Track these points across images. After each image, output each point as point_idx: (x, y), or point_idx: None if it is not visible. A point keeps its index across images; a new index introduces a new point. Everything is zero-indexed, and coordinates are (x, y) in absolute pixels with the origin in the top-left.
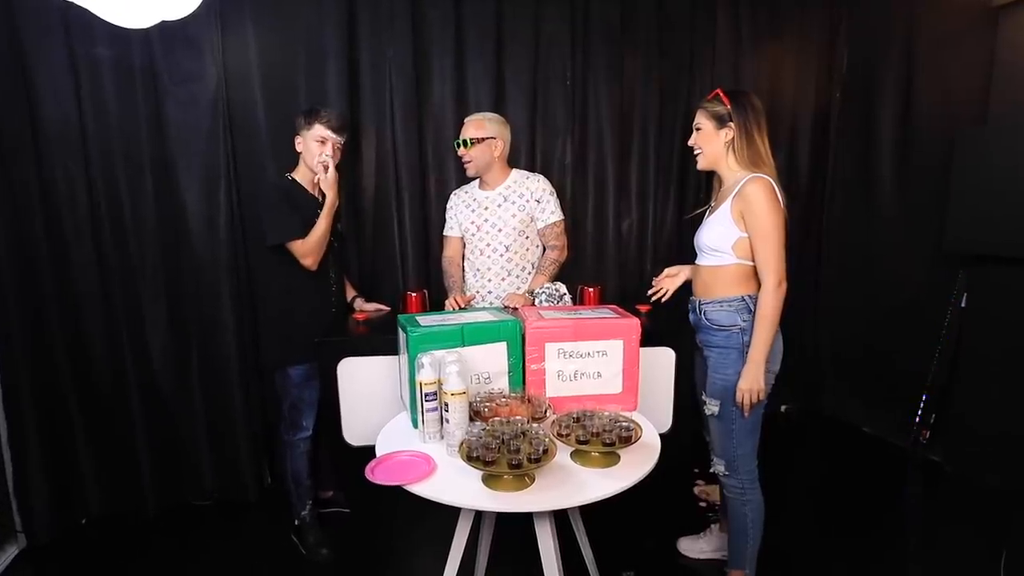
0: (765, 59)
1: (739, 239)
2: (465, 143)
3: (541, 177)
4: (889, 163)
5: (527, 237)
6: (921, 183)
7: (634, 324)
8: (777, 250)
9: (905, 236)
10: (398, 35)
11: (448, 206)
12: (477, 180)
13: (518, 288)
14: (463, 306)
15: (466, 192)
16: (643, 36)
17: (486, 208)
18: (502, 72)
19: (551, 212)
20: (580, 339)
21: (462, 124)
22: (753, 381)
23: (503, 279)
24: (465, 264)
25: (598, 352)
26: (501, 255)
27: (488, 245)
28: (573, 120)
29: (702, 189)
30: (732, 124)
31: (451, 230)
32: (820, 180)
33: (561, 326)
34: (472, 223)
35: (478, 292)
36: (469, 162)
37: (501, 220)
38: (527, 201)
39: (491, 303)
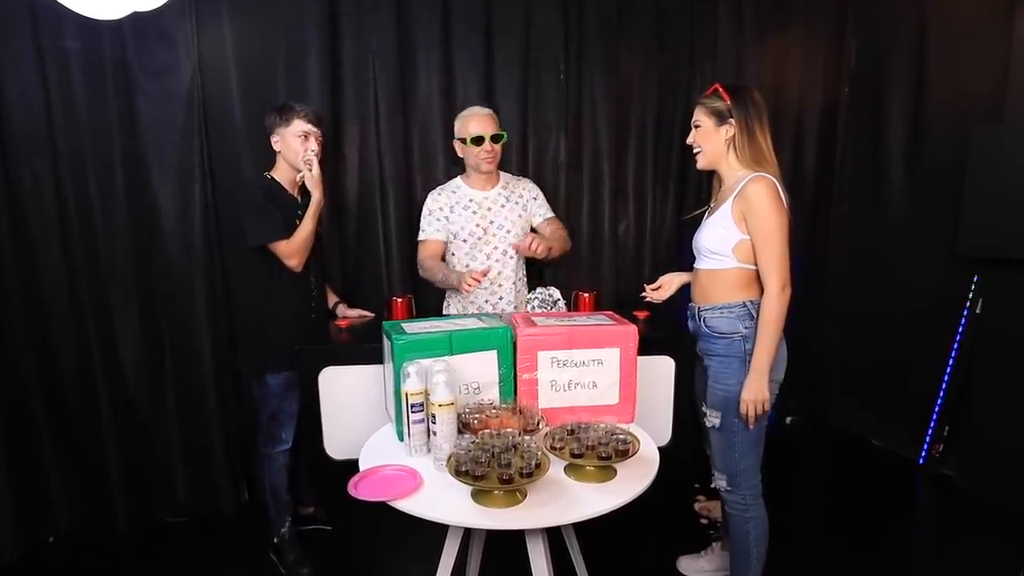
0: (769, 52)
1: (740, 241)
2: (498, 137)
3: (526, 179)
4: (899, 162)
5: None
6: (933, 183)
7: (631, 331)
8: (781, 253)
9: (916, 238)
10: (382, 26)
11: (432, 208)
12: (458, 180)
13: (525, 295)
14: (481, 280)
15: (454, 192)
16: (640, 27)
17: (489, 209)
18: (492, 65)
19: (547, 208)
20: (574, 347)
21: (454, 117)
22: (757, 391)
23: (514, 283)
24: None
25: (593, 361)
26: (511, 258)
27: (496, 248)
28: (567, 115)
29: (703, 188)
30: (732, 121)
31: (436, 233)
32: (827, 180)
33: (554, 333)
34: (477, 226)
35: (487, 300)
36: (494, 158)
37: (508, 221)
38: (527, 200)
39: (503, 310)
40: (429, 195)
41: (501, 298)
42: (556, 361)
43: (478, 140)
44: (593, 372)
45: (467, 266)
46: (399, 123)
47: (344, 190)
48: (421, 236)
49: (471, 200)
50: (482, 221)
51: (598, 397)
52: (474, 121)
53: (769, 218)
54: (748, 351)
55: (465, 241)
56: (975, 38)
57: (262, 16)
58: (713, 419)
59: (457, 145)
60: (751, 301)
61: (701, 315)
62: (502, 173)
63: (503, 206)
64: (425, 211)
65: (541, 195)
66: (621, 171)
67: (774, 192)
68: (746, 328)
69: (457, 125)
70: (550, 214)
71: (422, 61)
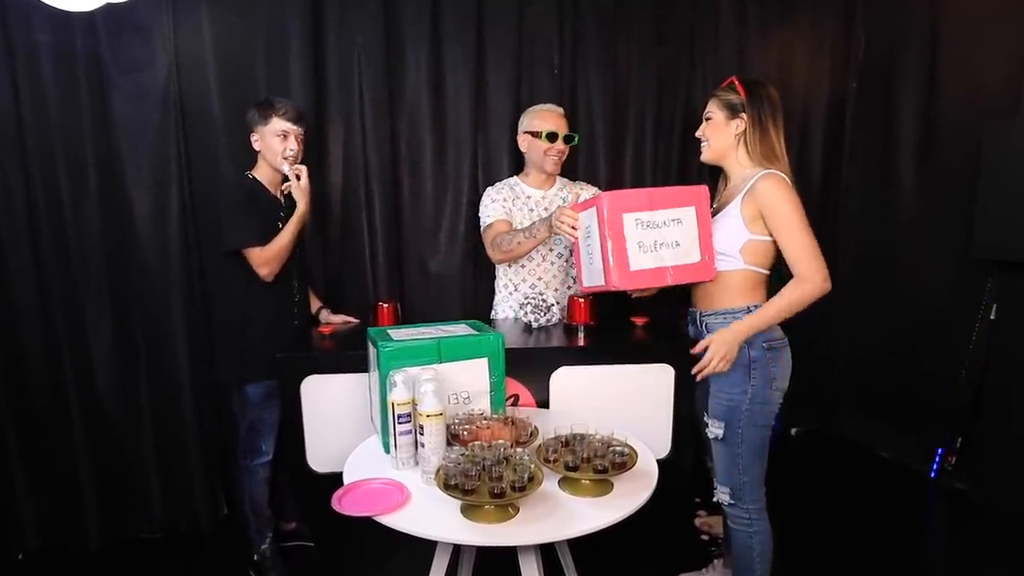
0: (774, 45)
1: (748, 242)
2: (569, 138)
3: (585, 183)
4: (910, 160)
5: None
6: (945, 183)
7: (702, 190)
8: (812, 243)
9: (928, 241)
10: (368, 20)
11: (494, 197)
12: (515, 178)
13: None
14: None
15: (512, 188)
16: (638, 18)
17: (545, 209)
18: (483, 60)
19: None
20: (655, 208)
21: (442, 114)
22: (725, 344)
23: (569, 287)
24: (516, 280)
25: (673, 220)
26: (566, 260)
27: (552, 250)
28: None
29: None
30: (744, 115)
31: (502, 215)
32: (834, 178)
33: (635, 195)
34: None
35: (537, 295)
36: (560, 158)
37: None
38: None
39: (550, 319)
40: (488, 188)
41: (554, 304)
42: (640, 222)
43: (552, 136)
44: (674, 231)
45: (523, 266)
46: (385, 120)
47: (328, 190)
48: (486, 221)
49: (528, 197)
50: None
51: (683, 256)
52: (550, 117)
53: (788, 210)
54: (753, 359)
55: None
56: (990, 30)
57: (242, 8)
58: (716, 430)
59: (524, 139)
60: (756, 306)
61: (703, 321)
62: (558, 177)
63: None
64: (487, 200)
65: None
66: (618, 170)
67: (788, 186)
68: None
69: (527, 119)
70: None
71: (410, 56)
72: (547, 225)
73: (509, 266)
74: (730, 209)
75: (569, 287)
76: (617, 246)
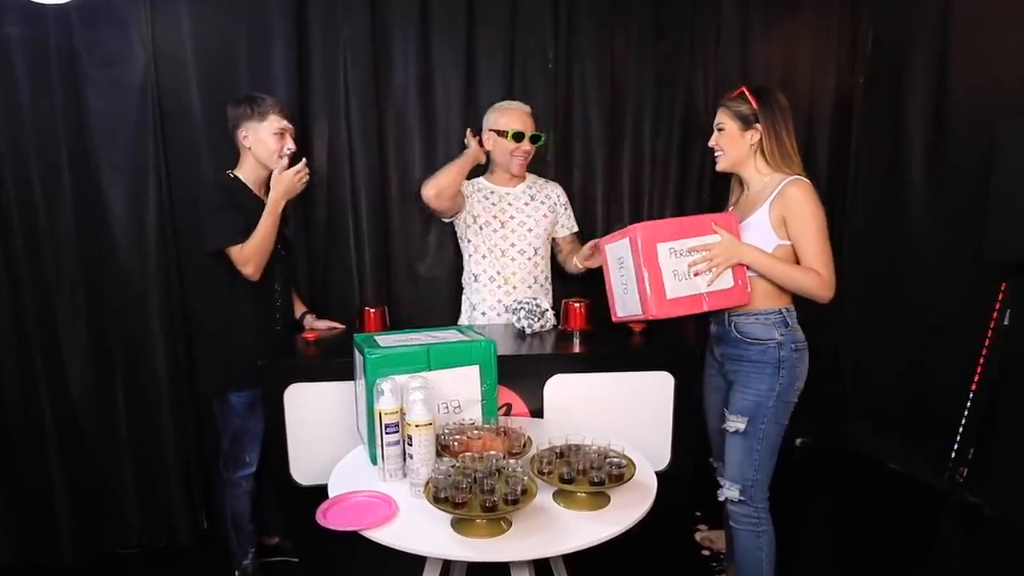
0: (777, 39)
1: (778, 247)
2: (536, 138)
3: (554, 183)
4: (920, 160)
5: (548, 244)
6: (957, 183)
7: (732, 217)
8: (830, 255)
9: (939, 244)
10: (354, 12)
11: None
12: (480, 178)
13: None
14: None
15: (472, 184)
16: (637, 10)
17: (510, 204)
18: (474, 54)
19: (573, 220)
20: (686, 236)
21: (431, 111)
22: (725, 254)
23: (529, 286)
24: (476, 271)
25: (705, 248)
26: (529, 258)
27: (513, 245)
28: (556, 109)
29: (704, 190)
30: (759, 125)
31: None
32: (840, 179)
33: (667, 224)
34: (494, 217)
35: (500, 301)
36: (527, 159)
37: (531, 219)
38: (555, 203)
39: (544, 324)
40: None
41: (516, 300)
42: (673, 251)
43: (519, 136)
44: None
45: (484, 256)
46: (372, 117)
47: (311, 190)
48: None
49: (491, 191)
50: (500, 214)
51: (716, 282)
52: (517, 115)
53: (815, 219)
54: (782, 358)
55: (481, 229)
56: (1003, 22)
57: (223, 0)
58: (738, 424)
59: (490, 137)
60: (787, 309)
61: (732, 320)
62: (528, 174)
63: (526, 204)
64: None
65: (568, 204)
66: (615, 170)
67: (815, 194)
68: (781, 335)
69: (492, 116)
70: (576, 228)
71: (398, 50)
72: (472, 150)
73: (472, 257)
74: (757, 217)
75: (530, 286)
76: (653, 276)
